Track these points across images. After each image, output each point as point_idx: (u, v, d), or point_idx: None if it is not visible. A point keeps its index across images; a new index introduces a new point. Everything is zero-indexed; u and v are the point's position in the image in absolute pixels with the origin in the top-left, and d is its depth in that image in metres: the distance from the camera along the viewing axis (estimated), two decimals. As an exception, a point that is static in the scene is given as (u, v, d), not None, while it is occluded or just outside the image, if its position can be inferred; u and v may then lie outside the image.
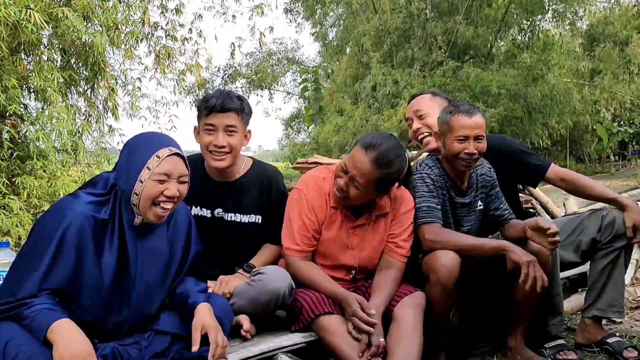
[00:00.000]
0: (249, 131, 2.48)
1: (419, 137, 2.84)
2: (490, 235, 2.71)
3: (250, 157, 2.64)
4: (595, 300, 2.65)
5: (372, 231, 2.43)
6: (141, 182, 1.82)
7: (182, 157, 1.89)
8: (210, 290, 2.23)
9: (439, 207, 2.47)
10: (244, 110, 2.40)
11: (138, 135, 1.96)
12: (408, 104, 2.96)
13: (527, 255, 2.29)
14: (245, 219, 2.51)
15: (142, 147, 1.87)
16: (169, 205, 1.86)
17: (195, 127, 2.48)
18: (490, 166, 2.69)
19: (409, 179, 2.42)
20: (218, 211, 2.50)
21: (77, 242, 1.79)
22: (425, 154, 2.91)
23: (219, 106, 2.34)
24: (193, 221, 2.14)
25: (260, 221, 2.52)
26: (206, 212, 2.51)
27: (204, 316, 1.90)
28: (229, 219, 2.51)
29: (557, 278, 2.60)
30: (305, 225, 2.35)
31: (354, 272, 2.43)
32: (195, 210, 2.49)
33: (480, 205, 2.62)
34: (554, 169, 2.82)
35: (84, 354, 1.62)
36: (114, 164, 1.96)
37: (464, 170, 2.51)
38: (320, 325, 2.21)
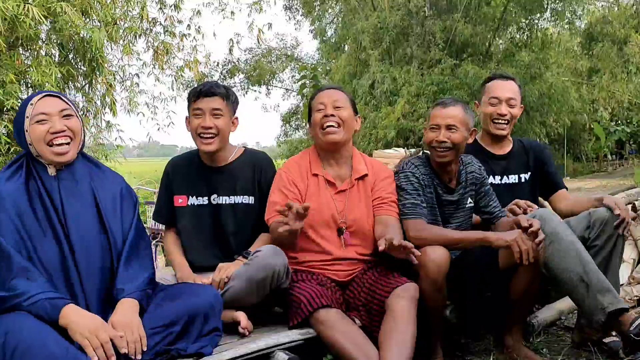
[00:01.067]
0: (236, 118, 2.64)
1: (499, 121, 2.89)
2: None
3: (243, 147, 2.75)
4: None
5: (356, 193, 2.56)
6: (27, 131, 1.95)
7: (56, 96, 2.00)
8: (209, 281, 2.29)
9: (424, 204, 2.50)
10: (229, 97, 2.57)
11: None
12: (488, 82, 3.00)
13: (510, 234, 2.30)
14: (238, 199, 2.60)
15: (20, 107, 2.01)
16: (62, 140, 1.96)
17: (186, 117, 2.63)
18: (480, 165, 2.72)
19: None
20: (214, 197, 2.61)
21: (11, 220, 1.85)
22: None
23: (205, 91, 2.52)
24: (127, 185, 2.19)
25: (253, 202, 2.61)
26: (203, 200, 2.62)
27: (117, 313, 1.88)
28: (223, 202, 2.61)
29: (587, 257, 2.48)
30: (285, 196, 2.47)
31: (342, 234, 2.51)
32: (192, 200, 2.62)
33: (470, 202, 2.65)
34: (564, 192, 3.00)
35: (99, 325, 1.76)
36: None
37: (441, 163, 2.54)
38: (318, 318, 2.22)
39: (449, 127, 2.50)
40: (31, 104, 1.96)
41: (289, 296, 2.34)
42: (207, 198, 2.61)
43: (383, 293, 2.33)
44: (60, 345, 1.65)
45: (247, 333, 2.23)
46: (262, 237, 2.58)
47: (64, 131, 1.96)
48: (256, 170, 2.63)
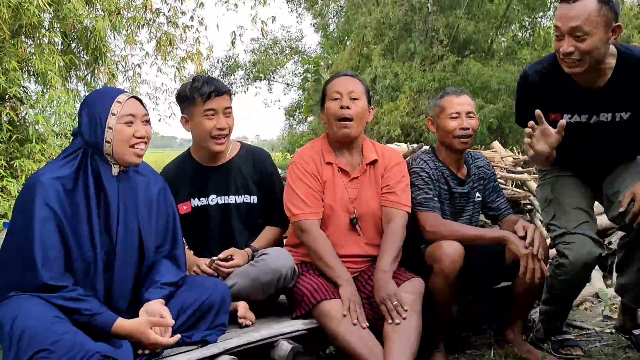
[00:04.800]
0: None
1: (566, 59, 2.20)
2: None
3: (238, 141, 2.64)
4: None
5: (367, 180, 2.49)
6: (110, 128, 1.87)
7: (138, 99, 1.98)
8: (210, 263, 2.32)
9: (436, 198, 2.51)
10: (230, 91, 2.49)
11: (91, 93, 2.05)
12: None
13: (524, 245, 2.29)
14: (239, 199, 2.50)
15: (100, 99, 1.93)
16: (143, 146, 1.93)
17: (183, 117, 2.46)
18: (489, 162, 2.76)
19: None
20: (212, 197, 2.50)
21: (54, 212, 1.79)
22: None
23: (216, 90, 2.38)
24: (166, 186, 2.17)
25: (255, 201, 2.52)
26: (203, 201, 2.50)
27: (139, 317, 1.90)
28: (223, 202, 2.50)
29: None
30: (310, 187, 2.41)
31: (356, 224, 2.44)
32: (195, 202, 2.50)
33: (478, 197, 2.66)
34: None
35: (146, 325, 1.81)
36: (77, 126, 1.98)
37: (460, 150, 2.56)
38: (321, 311, 2.22)
39: (468, 114, 2.54)
40: (118, 102, 1.90)
41: (293, 288, 2.35)
42: (205, 199, 2.50)
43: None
44: (67, 331, 1.65)
45: (244, 323, 2.21)
46: (267, 231, 2.54)
47: (145, 137, 1.94)
48: (256, 167, 2.54)
